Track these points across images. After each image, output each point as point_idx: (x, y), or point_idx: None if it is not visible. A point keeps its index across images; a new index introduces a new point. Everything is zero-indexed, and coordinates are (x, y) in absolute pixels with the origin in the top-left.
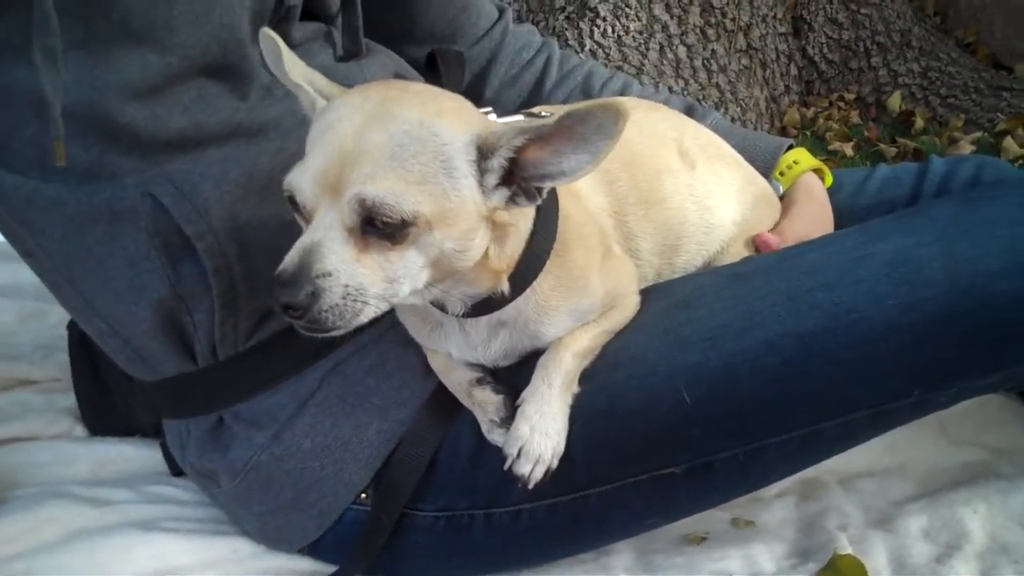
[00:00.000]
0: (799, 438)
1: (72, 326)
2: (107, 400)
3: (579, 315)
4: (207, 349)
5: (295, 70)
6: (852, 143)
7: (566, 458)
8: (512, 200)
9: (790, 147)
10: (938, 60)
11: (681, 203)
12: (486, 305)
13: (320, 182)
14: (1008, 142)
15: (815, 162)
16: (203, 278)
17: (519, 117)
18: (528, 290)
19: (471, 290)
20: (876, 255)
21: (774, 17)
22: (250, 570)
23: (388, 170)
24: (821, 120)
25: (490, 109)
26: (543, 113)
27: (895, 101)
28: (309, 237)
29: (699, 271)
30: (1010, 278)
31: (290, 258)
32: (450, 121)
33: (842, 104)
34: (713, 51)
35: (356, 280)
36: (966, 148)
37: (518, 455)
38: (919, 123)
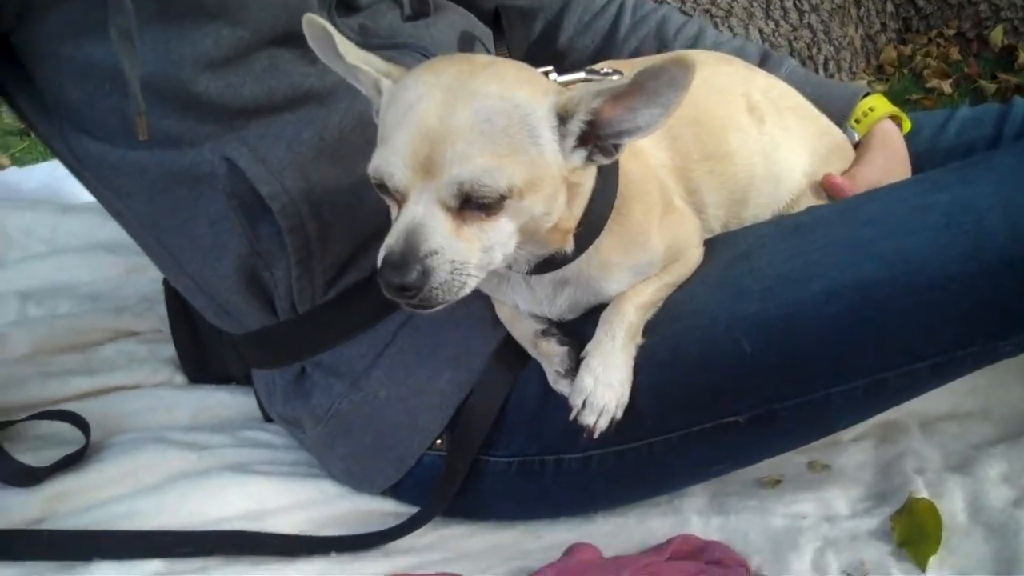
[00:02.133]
0: (862, 388)
1: (167, 281)
2: (203, 350)
3: (640, 270)
4: (287, 303)
5: (351, 52)
6: (951, 80)
7: (631, 407)
8: (590, 159)
9: (867, 94)
10: None
11: (748, 158)
12: (549, 263)
13: (411, 164)
14: None
15: (892, 108)
16: (279, 237)
17: (580, 75)
18: (591, 247)
19: (538, 250)
20: (935, 205)
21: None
22: (338, 510)
23: (480, 147)
24: (919, 57)
25: (551, 68)
26: (604, 69)
27: (997, 35)
28: (410, 217)
29: (762, 222)
30: None
31: (395, 240)
32: (529, 91)
33: (941, 40)
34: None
35: (460, 255)
36: None
37: (583, 406)
38: (1022, 58)
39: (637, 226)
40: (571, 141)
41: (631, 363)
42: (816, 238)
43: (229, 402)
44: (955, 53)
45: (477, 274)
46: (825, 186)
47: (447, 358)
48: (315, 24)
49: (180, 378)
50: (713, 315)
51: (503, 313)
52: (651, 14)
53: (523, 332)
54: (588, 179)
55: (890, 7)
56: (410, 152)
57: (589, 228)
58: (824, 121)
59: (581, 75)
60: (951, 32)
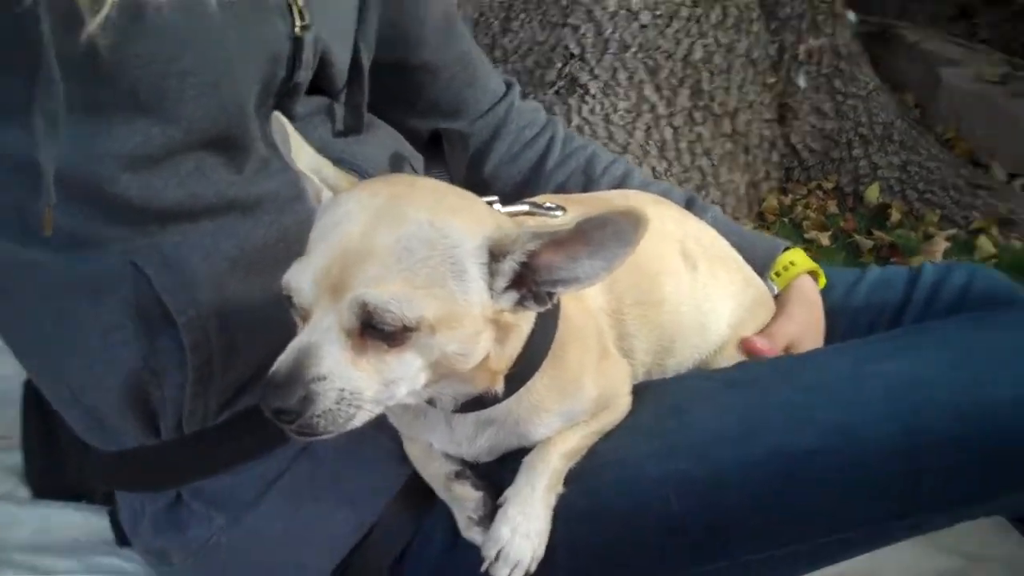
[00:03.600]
0: (788, 554)
1: (29, 383)
2: (57, 462)
3: (570, 417)
4: (173, 423)
5: (302, 158)
6: (829, 233)
7: (545, 561)
8: (520, 304)
9: (786, 248)
10: (918, 155)
11: (678, 306)
12: (477, 403)
13: (320, 282)
14: (982, 240)
15: (811, 264)
16: (179, 353)
17: (523, 207)
18: (522, 390)
19: (464, 389)
20: (879, 375)
21: (761, 103)
22: None
23: (394, 273)
24: (799, 208)
25: (496, 198)
26: (547, 204)
27: (872, 193)
28: (305, 339)
29: (691, 373)
30: (1019, 409)
31: (283, 360)
32: (461, 222)
33: (820, 193)
34: (699, 134)
35: (352, 384)
36: (941, 245)
37: (496, 557)
38: (895, 216)
39: (573, 371)
40: (502, 281)
41: (550, 513)
42: (753, 398)
43: (78, 521)
44: (832, 206)
45: (372, 408)
46: (745, 348)
47: (346, 495)
48: (279, 122)
49: (24, 491)
50: (641, 468)
51: (412, 451)
52: (579, 150)
53: (434, 473)
54: (525, 320)
55: (775, 156)
56: (322, 269)
57: (523, 370)
58: (748, 271)
59: (524, 207)
60: (830, 186)
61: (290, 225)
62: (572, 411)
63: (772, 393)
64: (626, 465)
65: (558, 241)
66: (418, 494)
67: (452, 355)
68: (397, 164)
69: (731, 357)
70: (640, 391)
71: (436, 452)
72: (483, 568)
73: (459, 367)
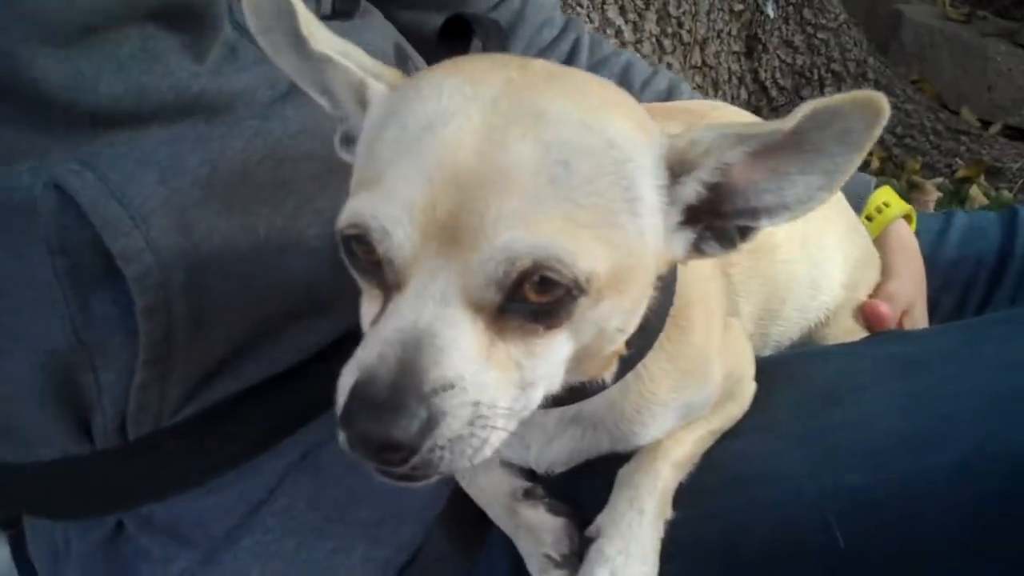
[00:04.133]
0: None
1: None
2: None
3: (690, 410)
4: (112, 423)
5: (320, 37)
6: None
7: None
8: (697, 248)
9: (877, 186)
10: (894, 96)
11: (792, 254)
12: (574, 394)
13: (423, 223)
14: (974, 190)
15: (905, 205)
16: (124, 321)
17: None
18: (631, 374)
19: (571, 378)
20: None
21: (729, 34)
22: None
23: (550, 205)
24: None
25: None
26: None
27: None
28: (411, 318)
29: (834, 347)
30: None
31: (381, 357)
32: (624, 122)
33: None
34: (668, 64)
35: (488, 393)
36: (933, 194)
37: None
38: (875, 163)
39: (697, 346)
40: (676, 214)
41: (658, 549)
42: (942, 383)
43: None
44: None
45: (505, 426)
46: (867, 315)
47: (362, 524)
48: None
49: None
50: (793, 485)
51: None
52: (612, 58)
53: (491, 491)
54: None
55: (744, 94)
56: (424, 203)
57: (638, 346)
58: (851, 214)
59: None
60: None
61: (280, 137)
62: (692, 402)
63: (968, 375)
64: (770, 480)
65: (762, 150)
66: (464, 522)
67: (611, 333)
68: (401, 59)
69: (847, 329)
70: (764, 373)
71: (492, 460)
72: None
73: (606, 350)
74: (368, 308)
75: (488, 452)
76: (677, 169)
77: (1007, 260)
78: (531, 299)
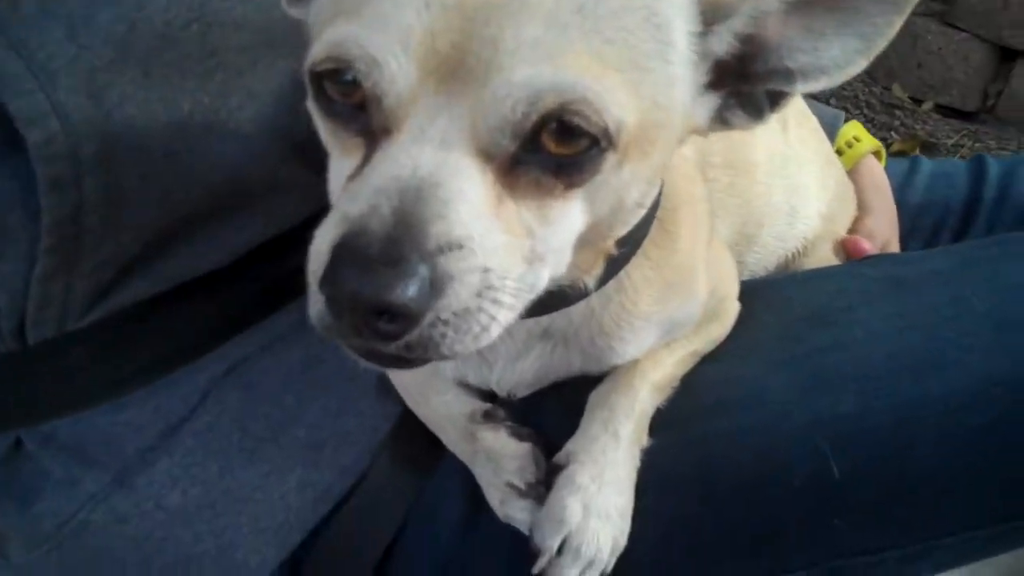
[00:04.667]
0: (988, 536)
1: None
2: None
3: (672, 327)
4: (9, 323)
5: None
6: None
7: (626, 556)
8: (721, 117)
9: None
10: None
11: (771, 176)
12: (548, 303)
13: (422, 54)
14: None
15: (874, 141)
16: (24, 198)
17: None
18: (612, 282)
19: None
20: None
21: None
22: None
23: (577, 37)
24: None
25: None
26: None
27: None
28: (407, 166)
29: (813, 270)
30: None
31: (371, 206)
32: None
33: None
34: None
35: (499, 259)
36: None
37: (559, 551)
38: None
39: (683, 254)
40: (704, 71)
41: (634, 479)
42: (938, 305)
43: None
44: None
45: (513, 305)
46: (848, 250)
47: (298, 445)
48: None
49: None
50: (779, 410)
51: (403, 377)
52: None
53: (445, 413)
54: None
55: None
56: (422, 30)
57: (622, 249)
58: (827, 144)
59: None
60: None
61: None
62: (675, 318)
63: (967, 296)
64: (753, 404)
65: (799, 4)
66: (413, 447)
67: (629, 207)
68: None
69: (824, 261)
70: (745, 296)
71: (446, 379)
72: (537, 568)
73: (617, 232)
74: (342, 164)
75: (494, 334)
76: (710, 16)
77: (975, 206)
78: (550, 150)
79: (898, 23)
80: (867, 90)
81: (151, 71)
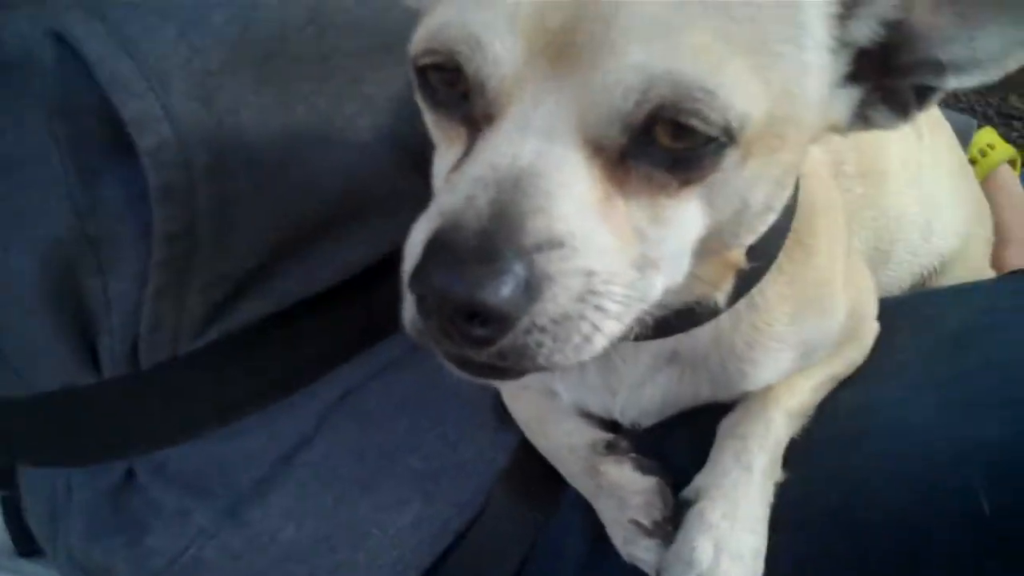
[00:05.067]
0: None
1: None
2: None
3: (810, 349)
4: (122, 346)
5: None
6: None
7: None
8: (863, 113)
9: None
10: None
11: (905, 187)
12: (676, 323)
13: (532, 33)
14: None
15: (1010, 149)
16: (136, 208)
17: None
18: (743, 300)
19: (674, 294)
20: None
21: None
22: None
23: (699, 15)
24: None
25: None
26: None
27: None
28: (507, 155)
29: (958, 286)
30: None
31: (467, 198)
32: None
33: None
34: None
35: (605, 262)
36: None
37: None
38: None
39: (821, 268)
40: (844, 60)
41: (767, 516)
42: None
43: None
44: None
45: (621, 314)
46: None
47: (414, 476)
48: None
49: None
50: (925, 438)
51: (523, 405)
52: None
53: (566, 444)
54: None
55: None
56: (532, 7)
57: (756, 261)
58: (962, 156)
59: None
60: None
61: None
62: (812, 339)
63: None
64: (893, 433)
65: None
66: (532, 481)
67: (755, 210)
68: None
69: (960, 280)
70: (885, 314)
71: (566, 408)
72: None
73: (743, 238)
74: (446, 157)
75: (599, 347)
76: (851, 3)
77: None
78: (664, 144)
79: None
80: (983, 101)
81: (264, 75)
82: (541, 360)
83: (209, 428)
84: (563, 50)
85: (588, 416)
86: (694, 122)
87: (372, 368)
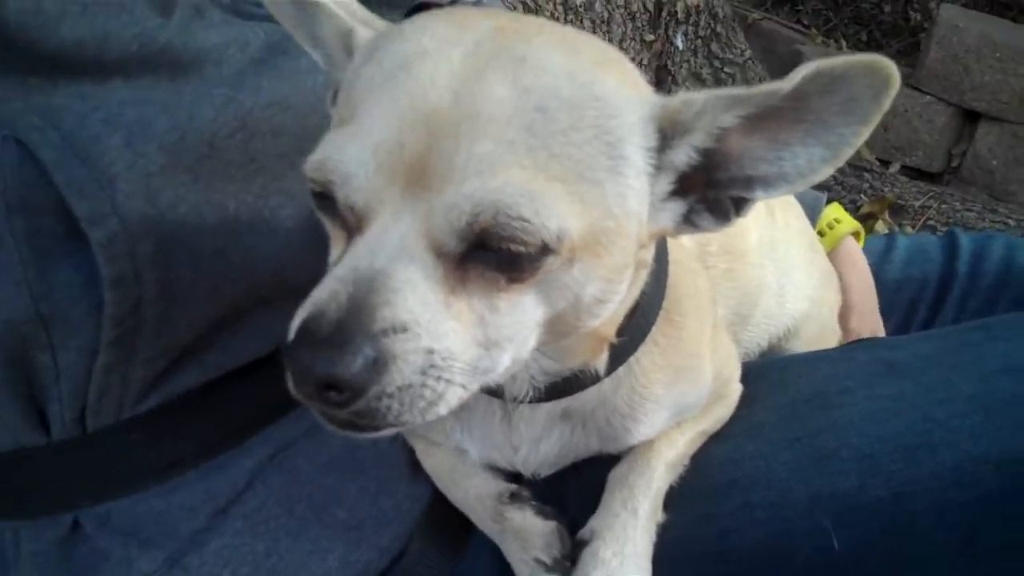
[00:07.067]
0: None
1: None
2: None
3: (682, 408)
4: (71, 412)
5: None
6: None
7: None
8: (688, 220)
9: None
10: None
11: (762, 259)
12: (566, 386)
13: (388, 164)
14: (879, 226)
15: (853, 222)
16: (87, 292)
17: None
18: (623, 368)
19: (557, 364)
20: None
21: (640, 63)
22: None
23: (522, 153)
24: None
25: None
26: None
27: None
28: (367, 256)
29: (812, 353)
30: None
31: (331, 293)
32: (617, 79)
33: None
34: None
35: (444, 342)
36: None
37: None
38: None
39: (690, 341)
40: (666, 182)
41: (651, 553)
42: (930, 386)
43: None
44: None
45: (464, 383)
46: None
47: (340, 525)
48: None
49: None
50: (784, 489)
51: (435, 461)
52: None
53: (475, 494)
54: (650, 257)
55: None
56: (391, 142)
57: (629, 337)
58: (811, 229)
59: None
60: None
61: (252, 108)
62: (685, 400)
63: (957, 379)
64: (761, 482)
65: (761, 116)
66: (445, 527)
67: (588, 302)
68: None
69: (811, 341)
70: (748, 377)
71: (473, 463)
72: None
73: (585, 323)
74: (334, 253)
75: (443, 409)
76: (669, 132)
77: (950, 281)
78: (493, 247)
79: (865, 134)
80: None
81: (199, 176)
82: (391, 419)
83: (150, 484)
84: (416, 178)
85: (493, 468)
86: (512, 245)
87: (300, 428)
